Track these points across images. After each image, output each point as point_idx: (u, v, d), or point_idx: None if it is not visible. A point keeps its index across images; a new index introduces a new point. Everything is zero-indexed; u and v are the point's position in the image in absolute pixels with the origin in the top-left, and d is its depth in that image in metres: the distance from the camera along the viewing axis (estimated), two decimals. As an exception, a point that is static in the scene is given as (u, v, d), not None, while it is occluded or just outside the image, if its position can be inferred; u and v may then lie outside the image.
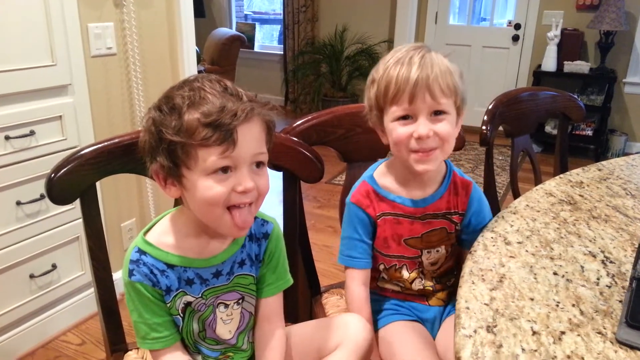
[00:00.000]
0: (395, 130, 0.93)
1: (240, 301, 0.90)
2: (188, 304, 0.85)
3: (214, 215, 0.77)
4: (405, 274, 1.07)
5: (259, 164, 0.78)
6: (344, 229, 1.06)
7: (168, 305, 0.84)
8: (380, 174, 1.05)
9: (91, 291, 1.97)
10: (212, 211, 0.77)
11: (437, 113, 0.92)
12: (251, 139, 0.75)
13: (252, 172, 0.77)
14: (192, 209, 0.80)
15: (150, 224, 0.87)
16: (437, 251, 1.06)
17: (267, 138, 0.80)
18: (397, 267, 1.06)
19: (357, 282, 1.04)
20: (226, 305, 0.88)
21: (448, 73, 0.91)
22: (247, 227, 0.80)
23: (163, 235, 0.84)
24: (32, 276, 1.74)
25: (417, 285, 1.08)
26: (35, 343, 1.82)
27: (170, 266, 0.83)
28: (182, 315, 0.85)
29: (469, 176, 1.08)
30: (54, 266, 1.80)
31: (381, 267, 1.08)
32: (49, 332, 1.86)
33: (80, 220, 1.77)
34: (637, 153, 2.08)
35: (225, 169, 0.74)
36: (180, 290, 0.84)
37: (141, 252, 0.82)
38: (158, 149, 0.75)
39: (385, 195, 1.03)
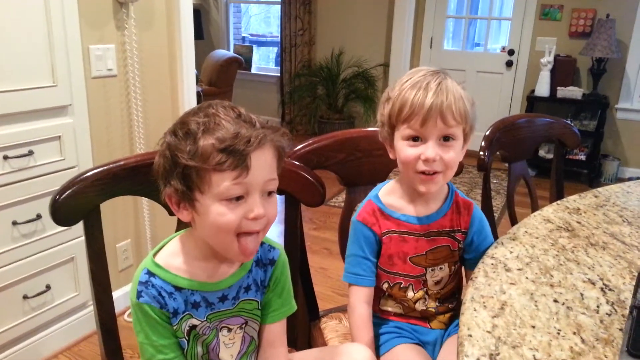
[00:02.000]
0: (404, 151, 0.97)
1: (243, 326, 0.90)
2: (193, 327, 0.85)
3: (223, 241, 0.78)
4: (410, 293, 1.07)
5: (270, 193, 0.79)
6: (349, 247, 1.08)
7: (174, 327, 0.84)
8: (385, 193, 1.08)
9: (85, 312, 1.95)
10: (221, 237, 0.78)
11: (446, 139, 0.96)
12: (264, 165, 0.77)
13: (263, 199, 0.78)
14: (201, 232, 0.81)
15: (160, 246, 0.87)
16: (441, 269, 1.07)
17: (278, 164, 0.81)
18: (402, 285, 1.07)
19: (361, 300, 1.05)
20: (229, 330, 0.88)
21: (461, 101, 0.95)
22: (254, 253, 0.82)
23: (172, 258, 0.85)
24: (25, 297, 1.72)
25: (420, 306, 1.08)
26: (27, 365, 1.79)
27: (178, 289, 0.83)
28: (187, 338, 0.85)
29: (466, 198, 1.11)
30: (48, 287, 1.78)
31: (385, 285, 1.09)
32: (41, 354, 1.83)
33: (76, 241, 1.80)
34: (629, 179, 2.11)
35: (238, 198, 0.76)
36: (187, 313, 0.84)
37: (150, 273, 0.83)
38: (172, 173, 0.76)
39: (390, 213, 1.05)
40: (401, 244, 1.05)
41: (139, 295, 0.81)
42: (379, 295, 1.11)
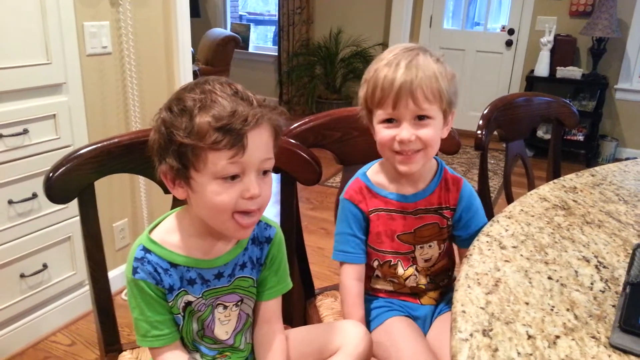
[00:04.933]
0: (380, 133, 0.97)
1: (239, 303, 0.90)
2: (188, 303, 0.85)
3: (219, 219, 0.78)
4: (400, 270, 1.08)
5: (265, 172, 0.79)
6: (338, 226, 1.08)
7: (170, 303, 0.84)
8: (373, 172, 1.08)
9: (82, 291, 1.96)
10: (217, 215, 0.78)
11: (421, 118, 0.94)
12: (260, 144, 0.76)
13: (259, 179, 0.77)
14: (197, 210, 0.80)
15: (156, 222, 0.87)
16: (430, 246, 1.08)
17: (274, 143, 0.80)
18: (391, 263, 1.08)
19: (351, 277, 1.06)
20: (225, 307, 0.88)
21: (434, 78, 0.92)
22: (251, 230, 0.82)
23: (168, 234, 0.84)
24: (22, 276, 1.72)
25: (411, 282, 1.09)
26: (24, 343, 1.80)
27: (174, 265, 0.83)
28: (182, 314, 0.85)
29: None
30: (45, 266, 1.79)
31: (375, 263, 1.09)
32: (38, 333, 1.85)
33: (72, 220, 1.80)
34: (627, 159, 2.11)
35: (233, 177, 0.75)
36: (182, 289, 0.84)
37: (146, 250, 0.82)
38: (168, 150, 0.75)
39: (377, 191, 1.06)
40: (389, 222, 1.05)
41: (134, 271, 0.81)
42: (369, 275, 1.11)
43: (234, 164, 0.74)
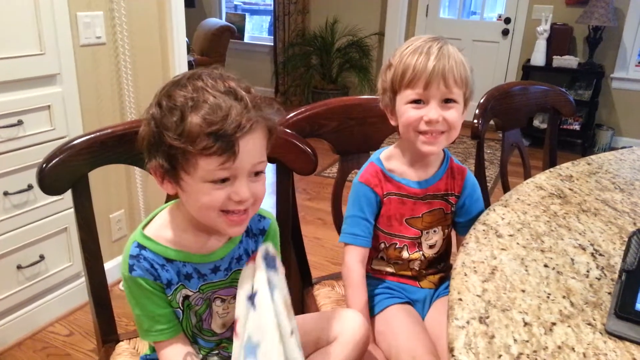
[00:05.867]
0: (407, 113, 0.99)
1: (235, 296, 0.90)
2: (186, 297, 0.85)
3: (209, 217, 0.77)
4: (406, 254, 1.11)
5: (257, 173, 0.77)
6: (349, 209, 1.09)
7: (169, 297, 0.83)
8: (385, 157, 1.11)
9: (79, 282, 1.96)
10: (207, 214, 0.76)
11: (448, 101, 0.98)
12: (253, 149, 0.74)
13: (250, 180, 0.76)
14: (187, 207, 0.79)
15: (149, 218, 0.86)
16: (435, 232, 1.11)
17: (267, 144, 0.79)
18: (397, 246, 1.10)
19: (356, 259, 1.07)
20: (223, 300, 0.88)
21: (462, 66, 0.98)
22: (244, 227, 0.80)
23: (162, 230, 0.83)
24: (19, 267, 1.72)
25: (415, 265, 1.12)
26: (22, 334, 1.80)
27: (170, 260, 0.82)
28: (182, 307, 0.85)
29: (460, 167, 1.15)
30: (42, 257, 1.79)
31: (382, 245, 1.11)
32: (36, 323, 1.85)
33: (69, 211, 1.79)
34: (623, 147, 2.11)
35: (223, 180, 0.74)
36: (180, 284, 0.83)
37: (141, 246, 0.81)
38: (157, 149, 0.74)
39: (391, 176, 1.08)
40: (400, 206, 1.08)
41: (131, 269, 0.80)
42: (372, 256, 1.13)
43: (225, 169, 0.72)
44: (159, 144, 0.73)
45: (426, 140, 1.00)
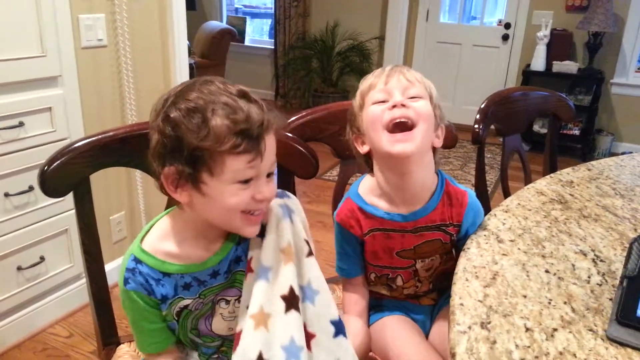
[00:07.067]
0: (371, 110, 0.94)
1: (240, 298, 0.89)
2: (184, 307, 0.84)
3: (230, 219, 0.77)
4: (400, 282, 1.06)
5: (269, 174, 0.79)
6: (335, 242, 1.07)
7: (164, 313, 0.84)
8: (366, 189, 1.02)
9: (79, 283, 1.96)
10: (229, 216, 0.77)
11: (412, 98, 0.93)
12: (271, 148, 0.76)
13: (267, 181, 0.78)
14: (202, 212, 0.78)
15: (146, 228, 0.85)
16: (432, 260, 1.04)
17: (276, 145, 0.80)
18: (389, 276, 1.06)
19: (350, 288, 1.07)
20: (227, 302, 0.87)
21: (419, 73, 0.97)
22: (258, 228, 0.81)
23: (159, 242, 0.82)
24: (19, 268, 1.72)
25: (410, 290, 1.08)
26: (22, 335, 1.80)
27: (167, 274, 0.82)
28: (176, 319, 0.85)
29: (462, 183, 1.05)
30: (42, 258, 1.79)
31: (372, 276, 1.08)
32: (36, 325, 1.85)
33: (69, 213, 1.79)
34: (623, 153, 2.11)
35: (247, 180, 0.75)
36: (177, 297, 0.83)
37: (137, 260, 0.81)
38: (176, 154, 0.72)
39: (372, 212, 0.99)
40: (386, 241, 1.01)
41: (126, 282, 0.80)
42: (368, 281, 1.10)
43: (252, 168, 0.73)
44: (178, 148, 0.72)
45: (400, 139, 0.89)
